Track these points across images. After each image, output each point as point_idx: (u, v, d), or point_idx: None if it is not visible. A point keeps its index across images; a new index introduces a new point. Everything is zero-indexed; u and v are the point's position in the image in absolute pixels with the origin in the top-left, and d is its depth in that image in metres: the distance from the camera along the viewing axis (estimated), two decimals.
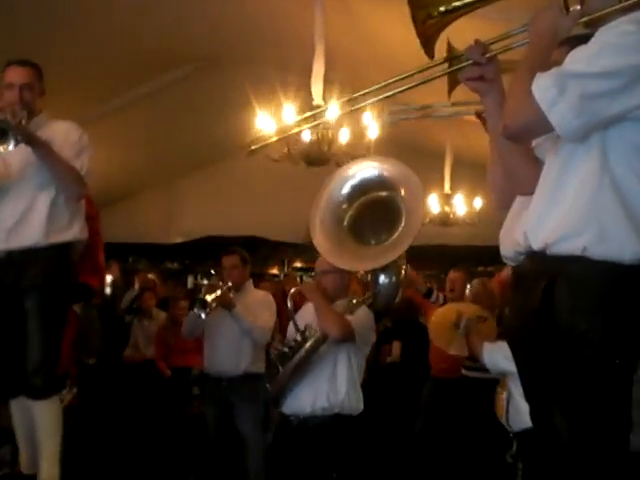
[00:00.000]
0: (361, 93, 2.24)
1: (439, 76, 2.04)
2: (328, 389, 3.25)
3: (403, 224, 2.90)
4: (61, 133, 3.23)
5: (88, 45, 5.99)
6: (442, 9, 1.93)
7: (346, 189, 3.05)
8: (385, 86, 2.15)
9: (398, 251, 2.93)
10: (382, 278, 3.16)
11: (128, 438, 5.62)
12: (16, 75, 3.18)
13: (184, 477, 5.09)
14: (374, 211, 3.01)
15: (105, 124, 7.29)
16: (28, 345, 3.10)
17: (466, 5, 1.93)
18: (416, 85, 2.07)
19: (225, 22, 6.22)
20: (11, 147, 2.90)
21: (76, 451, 4.07)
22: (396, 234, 2.91)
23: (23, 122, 3.02)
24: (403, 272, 3.19)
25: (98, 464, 4.80)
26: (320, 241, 3.03)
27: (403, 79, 2.11)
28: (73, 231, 3.25)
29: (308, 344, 3.28)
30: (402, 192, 2.96)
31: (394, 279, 3.14)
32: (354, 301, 3.38)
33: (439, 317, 4.46)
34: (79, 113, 3.36)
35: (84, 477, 3.92)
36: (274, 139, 3.88)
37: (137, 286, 8.43)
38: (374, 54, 6.12)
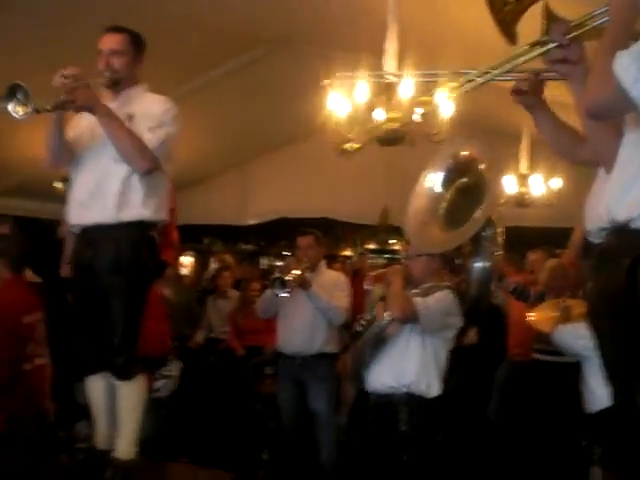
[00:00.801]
0: (449, 85, 2.23)
1: (524, 62, 2.02)
2: (397, 369, 3.26)
3: (483, 205, 2.87)
4: (146, 106, 3.13)
5: (161, 29, 6.06)
6: None
7: (441, 175, 3.01)
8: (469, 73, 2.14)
9: (471, 231, 2.89)
10: (475, 264, 3.12)
11: (202, 416, 5.75)
12: (106, 42, 3.11)
13: (256, 455, 5.18)
14: (464, 196, 2.98)
15: (179, 108, 7.41)
16: (109, 325, 3.04)
17: None
18: (504, 72, 2.05)
19: (296, 2, 6.22)
20: (29, 110, 2.70)
21: None
22: (475, 215, 2.88)
23: (104, 82, 3.01)
24: (496, 258, 3.14)
25: (170, 441, 4.92)
26: (412, 227, 3.02)
27: (490, 70, 2.10)
28: (147, 210, 3.07)
29: (376, 323, 3.33)
30: (486, 174, 2.94)
31: (486, 265, 3.09)
32: (437, 285, 3.35)
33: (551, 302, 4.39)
34: None
35: (158, 455, 4.01)
36: (354, 133, 3.82)
37: (213, 266, 8.58)
38: (448, 32, 6.00)
